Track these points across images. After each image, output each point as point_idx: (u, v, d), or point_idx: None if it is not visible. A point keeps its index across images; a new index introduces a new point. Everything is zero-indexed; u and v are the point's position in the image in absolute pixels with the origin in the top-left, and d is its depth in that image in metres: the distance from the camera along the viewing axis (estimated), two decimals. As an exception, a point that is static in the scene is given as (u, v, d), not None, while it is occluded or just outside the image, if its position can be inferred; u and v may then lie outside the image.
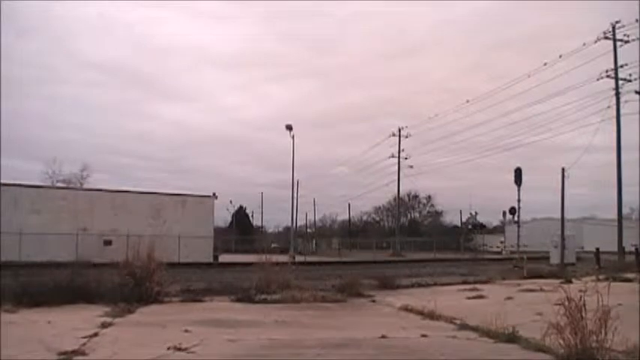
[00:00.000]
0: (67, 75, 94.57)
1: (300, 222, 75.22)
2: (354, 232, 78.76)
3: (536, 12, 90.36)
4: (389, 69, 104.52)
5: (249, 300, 12.73)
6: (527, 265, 22.82)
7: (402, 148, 59.84)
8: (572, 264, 29.50)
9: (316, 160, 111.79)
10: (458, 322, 9.47)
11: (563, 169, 30.64)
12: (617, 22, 33.09)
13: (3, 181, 32.05)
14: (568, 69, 36.90)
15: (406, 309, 11.38)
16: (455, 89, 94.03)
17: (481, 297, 14.05)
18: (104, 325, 8.93)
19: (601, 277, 16.22)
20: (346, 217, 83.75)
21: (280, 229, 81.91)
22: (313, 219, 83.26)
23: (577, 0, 75.94)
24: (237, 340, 7.79)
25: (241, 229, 73.21)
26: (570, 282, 15.12)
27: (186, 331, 8.45)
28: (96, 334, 8.06)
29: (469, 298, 13.89)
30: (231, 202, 74.62)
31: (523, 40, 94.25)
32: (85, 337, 7.68)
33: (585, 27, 72.59)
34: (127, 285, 12.22)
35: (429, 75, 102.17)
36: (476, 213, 74.54)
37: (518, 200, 50.86)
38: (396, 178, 60.43)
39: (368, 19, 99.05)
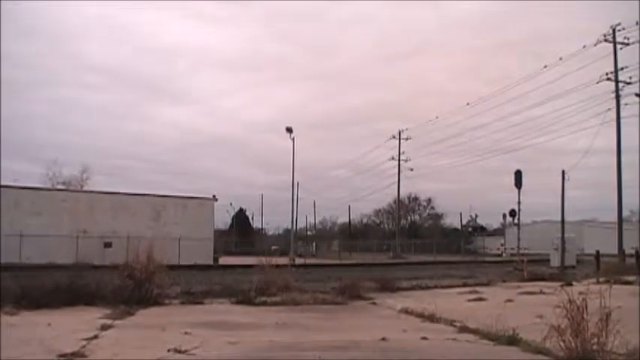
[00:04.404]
0: (67, 77, 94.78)
1: (300, 224, 75.18)
2: (354, 235, 78.67)
3: (536, 14, 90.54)
4: (389, 71, 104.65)
5: (249, 302, 12.71)
6: (528, 268, 22.80)
7: (402, 150, 59.95)
8: (573, 267, 29.48)
9: (316, 162, 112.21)
10: (458, 324, 9.46)
11: (563, 172, 30.68)
12: (617, 24, 33.16)
13: (3, 183, 32.12)
14: (568, 71, 37.00)
15: (406, 311, 11.36)
16: (455, 92, 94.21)
17: (481, 299, 14.03)
18: (104, 328, 8.92)
19: (601, 279, 16.23)
20: (346, 219, 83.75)
21: (280, 231, 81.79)
22: (313, 221, 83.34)
23: (577, 0, 76.09)
24: (237, 343, 7.78)
25: (241, 231, 73.18)
26: (571, 284, 15.13)
27: (186, 333, 8.44)
28: (96, 337, 8.05)
29: (469, 300, 13.88)
30: (231, 204, 74.59)
31: (523, 43, 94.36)
32: (85, 339, 7.67)
33: (586, 30, 72.62)
34: (127, 287, 12.20)
35: (428, 77, 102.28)
36: (476, 215, 74.51)
37: (519, 203, 50.75)
38: (397, 180, 60.56)
39: (368, 22, 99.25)
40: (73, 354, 6.75)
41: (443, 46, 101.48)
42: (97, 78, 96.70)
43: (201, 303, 12.66)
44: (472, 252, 56.89)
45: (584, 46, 34.34)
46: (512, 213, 50.16)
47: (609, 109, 33.27)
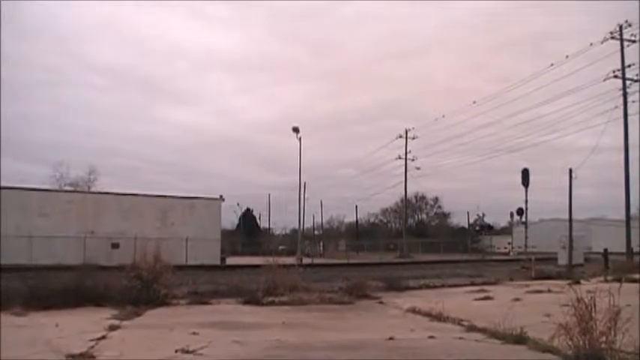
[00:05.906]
0: (73, 78, 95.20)
1: (307, 224, 75.23)
2: (361, 234, 78.66)
3: (542, 13, 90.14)
4: (394, 70, 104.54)
5: (257, 302, 12.72)
6: (535, 266, 22.71)
7: (408, 149, 59.81)
8: (581, 265, 29.31)
9: (323, 162, 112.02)
10: (465, 323, 9.43)
11: (570, 170, 30.49)
12: (624, 22, 32.99)
13: (11, 185, 32.28)
14: (575, 70, 36.83)
15: (414, 311, 11.34)
16: (460, 90, 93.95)
17: (489, 298, 13.98)
18: (112, 328, 8.96)
19: (609, 277, 16.14)
20: (353, 218, 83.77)
21: (287, 231, 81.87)
22: (320, 221, 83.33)
23: (583, 0, 75.65)
24: (245, 343, 7.79)
25: (248, 231, 73.37)
26: (578, 283, 15.02)
27: (193, 333, 8.46)
28: (104, 337, 8.09)
29: (477, 299, 13.84)
30: (238, 204, 74.85)
31: (528, 41, 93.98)
32: (92, 340, 7.71)
33: (592, 28, 72.27)
34: (135, 288, 12.26)
35: (434, 76, 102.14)
36: (483, 214, 74.25)
37: (526, 201, 50.75)
38: (403, 179, 60.43)
39: (372, 21, 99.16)
40: (81, 354, 6.78)
41: (448, 44, 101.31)
42: (102, 79, 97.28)
43: (208, 303, 12.67)
44: (479, 251, 56.70)
45: (591, 44, 34.22)
46: (520, 211, 49.93)
47: (616, 107, 33.12)
